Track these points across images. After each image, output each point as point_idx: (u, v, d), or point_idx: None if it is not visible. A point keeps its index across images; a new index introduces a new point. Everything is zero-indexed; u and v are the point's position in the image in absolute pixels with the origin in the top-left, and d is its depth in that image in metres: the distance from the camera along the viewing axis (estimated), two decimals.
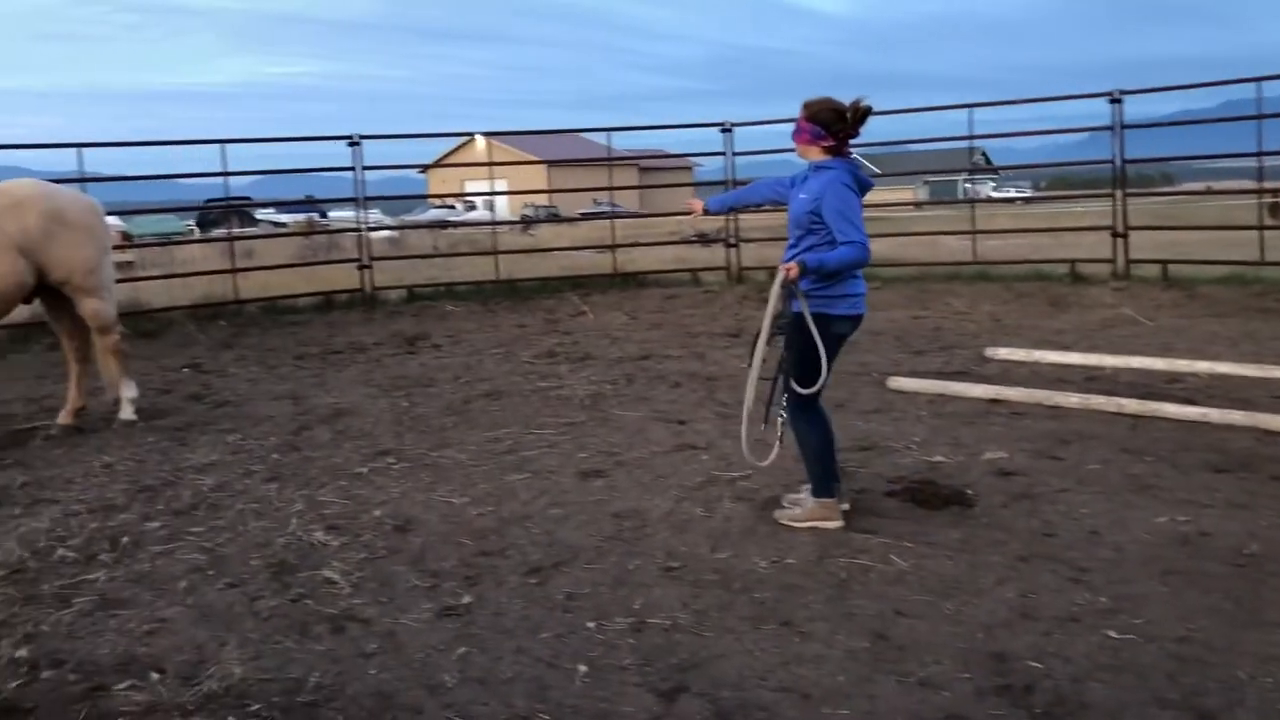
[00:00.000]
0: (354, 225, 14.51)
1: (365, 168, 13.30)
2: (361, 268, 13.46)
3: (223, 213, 24.45)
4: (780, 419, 4.75)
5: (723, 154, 14.23)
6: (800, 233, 4.65)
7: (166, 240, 25.72)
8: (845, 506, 4.91)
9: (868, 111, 4.64)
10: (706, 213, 5.45)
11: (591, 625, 3.87)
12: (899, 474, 5.53)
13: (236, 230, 24.21)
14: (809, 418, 4.75)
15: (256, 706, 3.35)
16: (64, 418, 7.30)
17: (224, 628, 3.96)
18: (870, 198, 4.85)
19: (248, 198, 28.81)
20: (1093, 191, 22.89)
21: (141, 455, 6.53)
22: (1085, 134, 15.18)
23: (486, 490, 5.57)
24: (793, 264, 4.46)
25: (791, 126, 4.73)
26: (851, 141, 4.70)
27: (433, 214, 42.38)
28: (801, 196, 4.65)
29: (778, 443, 4.75)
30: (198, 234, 32.78)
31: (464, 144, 53.05)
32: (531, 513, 5.18)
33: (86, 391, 7.43)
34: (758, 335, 4.69)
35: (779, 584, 4.18)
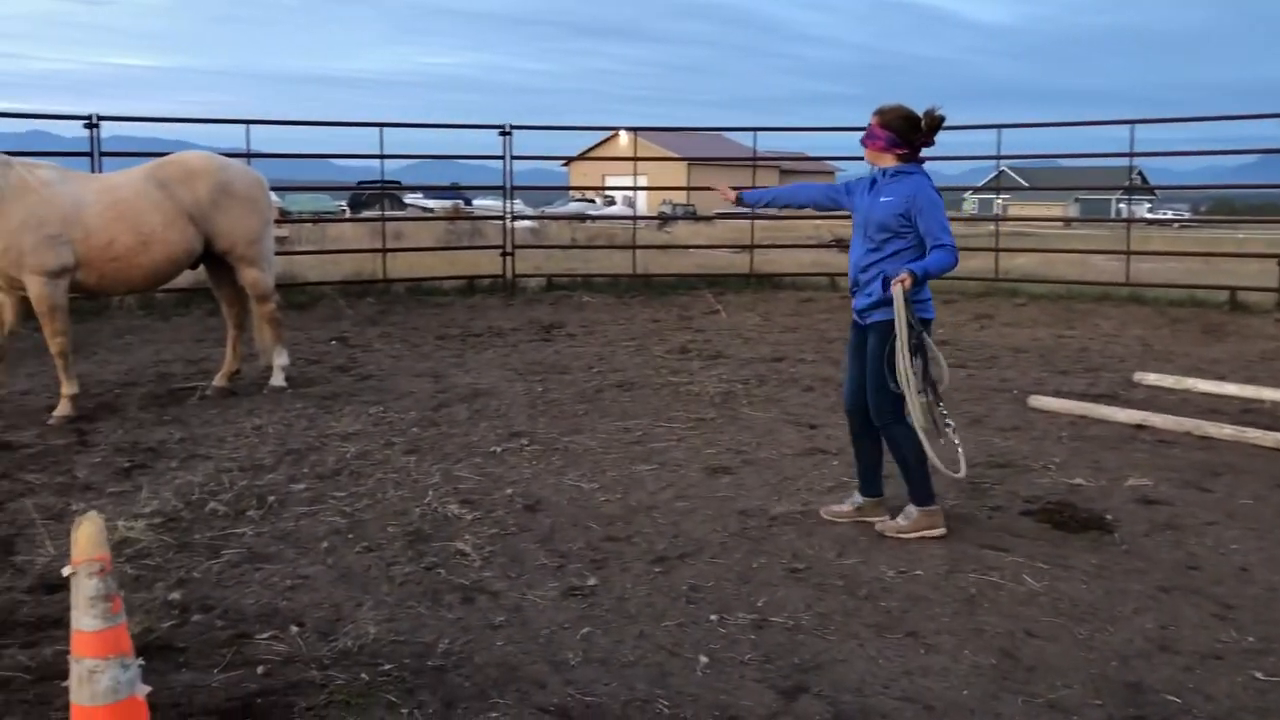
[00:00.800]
0: (499, 213, 14.82)
1: (514, 157, 13.59)
2: (504, 255, 13.77)
3: (374, 194, 25.23)
4: (950, 426, 4.68)
5: None
6: (886, 236, 4.65)
7: (320, 218, 26.73)
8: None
9: (941, 121, 4.64)
10: (740, 203, 5.40)
11: (714, 618, 3.89)
12: (1035, 494, 5.38)
13: (388, 212, 24.98)
14: (906, 427, 4.69)
15: (388, 666, 3.48)
16: (219, 380, 7.69)
17: (361, 589, 4.13)
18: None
19: (398, 181, 29.74)
20: (1261, 218, 21.75)
21: (289, 420, 6.84)
22: (1253, 157, 14.44)
23: (615, 478, 5.65)
24: (905, 275, 4.46)
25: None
26: (929, 150, 4.71)
27: (573, 206, 42.98)
28: (885, 200, 4.64)
29: (960, 452, 4.69)
30: (348, 214, 33.94)
31: (607, 139, 53.65)
32: (658, 503, 5.23)
33: (241, 356, 7.81)
34: (893, 350, 4.60)
35: (906, 594, 4.12)
